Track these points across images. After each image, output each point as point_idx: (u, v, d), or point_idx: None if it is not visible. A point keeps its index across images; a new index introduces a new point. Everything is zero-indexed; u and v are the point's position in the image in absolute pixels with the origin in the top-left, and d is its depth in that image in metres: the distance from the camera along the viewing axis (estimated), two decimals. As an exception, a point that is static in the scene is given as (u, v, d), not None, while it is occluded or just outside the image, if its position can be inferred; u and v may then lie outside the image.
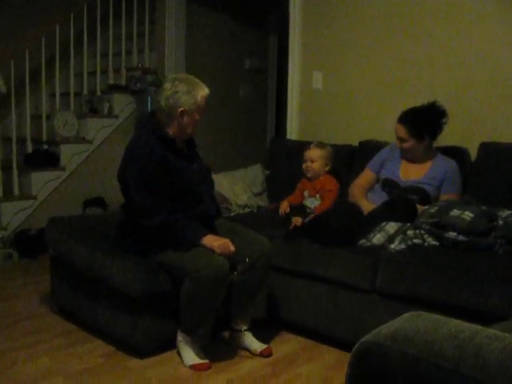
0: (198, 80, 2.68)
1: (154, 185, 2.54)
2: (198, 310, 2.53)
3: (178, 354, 2.65)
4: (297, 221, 3.15)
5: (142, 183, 2.54)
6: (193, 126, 2.66)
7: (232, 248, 2.56)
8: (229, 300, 2.73)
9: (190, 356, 2.59)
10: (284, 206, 3.37)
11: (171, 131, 2.65)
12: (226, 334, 2.87)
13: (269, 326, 2.97)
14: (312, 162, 3.39)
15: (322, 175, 3.39)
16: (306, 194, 3.40)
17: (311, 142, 3.51)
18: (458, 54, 3.49)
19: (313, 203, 3.32)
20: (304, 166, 3.42)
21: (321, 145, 3.45)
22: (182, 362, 2.60)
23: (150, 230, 2.58)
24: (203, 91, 2.63)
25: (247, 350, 2.76)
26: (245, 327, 2.78)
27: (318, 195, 3.33)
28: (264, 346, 2.75)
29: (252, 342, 2.77)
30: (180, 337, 2.62)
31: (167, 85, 2.61)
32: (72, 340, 2.87)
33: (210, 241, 2.54)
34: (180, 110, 2.58)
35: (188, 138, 2.77)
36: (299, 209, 3.34)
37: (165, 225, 2.53)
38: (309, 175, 3.40)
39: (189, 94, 2.58)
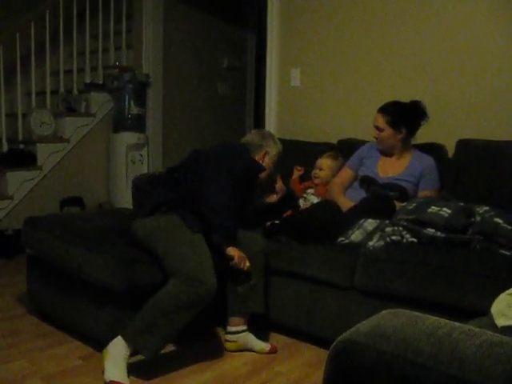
0: None
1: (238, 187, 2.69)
2: (174, 321, 2.36)
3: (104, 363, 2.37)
4: (280, 187, 3.22)
5: (231, 181, 2.65)
6: (267, 173, 2.97)
7: (247, 264, 2.62)
8: (226, 302, 2.76)
9: (118, 374, 2.32)
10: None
11: None
12: (205, 333, 2.86)
13: (248, 324, 2.95)
14: (320, 169, 3.42)
15: (328, 184, 3.38)
16: (311, 190, 3.40)
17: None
18: (436, 52, 3.51)
19: (314, 199, 3.32)
20: (312, 172, 3.46)
21: (333, 156, 3.47)
22: (103, 372, 2.33)
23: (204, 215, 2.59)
24: (280, 146, 3.04)
25: (251, 350, 2.76)
26: (244, 327, 2.78)
27: (320, 197, 3.34)
28: (270, 345, 2.78)
29: (256, 341, 2.77)
30: (121, 346, 2.37)
31: (254, 131, 3.08)
32: (50, 341, 2.83)
33: (234, 250, 2.60)
34: (265, 150, 2.96)
35: None
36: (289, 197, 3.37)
37: (231, 229, 2.62)
38: (315, 182, 3.42)
39: (274, 142, 3.01)
